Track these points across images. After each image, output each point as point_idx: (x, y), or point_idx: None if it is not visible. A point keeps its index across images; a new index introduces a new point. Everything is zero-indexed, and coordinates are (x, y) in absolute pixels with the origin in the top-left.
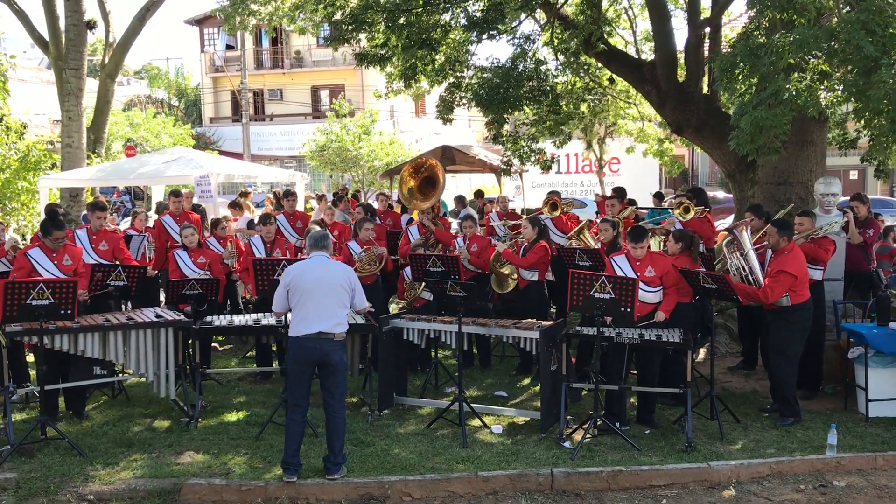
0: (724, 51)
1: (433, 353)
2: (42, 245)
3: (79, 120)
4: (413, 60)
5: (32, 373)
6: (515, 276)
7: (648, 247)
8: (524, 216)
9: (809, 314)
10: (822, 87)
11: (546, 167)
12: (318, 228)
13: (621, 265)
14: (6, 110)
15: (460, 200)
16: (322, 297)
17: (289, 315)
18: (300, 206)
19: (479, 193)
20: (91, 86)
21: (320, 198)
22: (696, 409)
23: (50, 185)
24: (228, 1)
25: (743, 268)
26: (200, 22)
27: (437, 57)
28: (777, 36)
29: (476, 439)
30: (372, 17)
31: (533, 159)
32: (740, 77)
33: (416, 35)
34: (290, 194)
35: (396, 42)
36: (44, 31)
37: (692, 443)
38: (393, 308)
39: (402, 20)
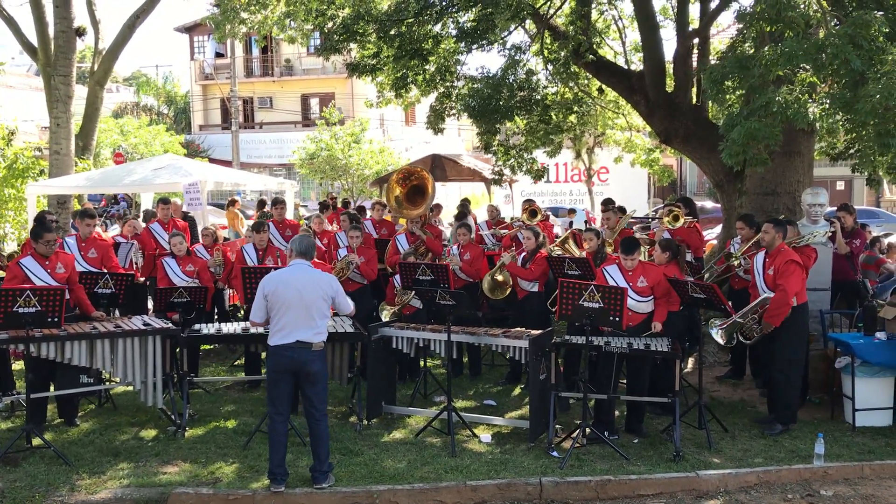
0: (713, 62)
1: (422, 362)
2: (34, 253)
3: (67, 127)
4: (404, 71)
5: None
6: (510, 284)
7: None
8: (513, 225)
9: (808, 317)
10: (811, 100)
11: (538, 177)
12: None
13: (613, 275)
14: None
15: (463, 206)
16: (303, 309)
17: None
18: (289, 215)
19: (465, 202)
20: (80, 92)
21: (322, 206)
22: (684, 418)
23: (38, 192)
24: (218, 9)
25: (750, 311)
26: (190, 29)
27: (428, 67)
28: (766, 48)
29: (465, 448)
30: (363, 28)
31: (525, 169)
32: (730, 88)
33: (407, 45)
34: (278, 202)
35: (388, 52)
36: (33, 37)
37: (680, 452)
38: (385, 315)
39: (393, 31)
